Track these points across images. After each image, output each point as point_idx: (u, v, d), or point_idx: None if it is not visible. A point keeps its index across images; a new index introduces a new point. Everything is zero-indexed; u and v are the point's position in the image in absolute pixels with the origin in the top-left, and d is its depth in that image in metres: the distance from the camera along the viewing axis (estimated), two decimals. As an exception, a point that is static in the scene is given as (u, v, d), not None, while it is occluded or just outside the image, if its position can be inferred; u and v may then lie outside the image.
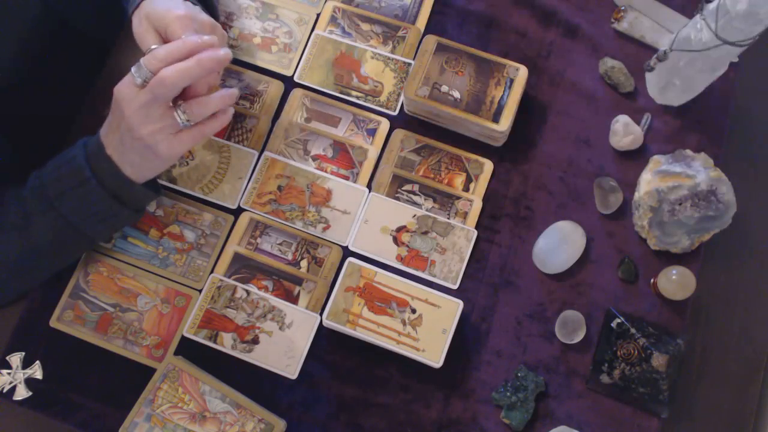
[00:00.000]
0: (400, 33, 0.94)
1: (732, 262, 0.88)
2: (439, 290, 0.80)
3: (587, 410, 0.82)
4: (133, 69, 0.71)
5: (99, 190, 0.74)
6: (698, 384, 0.84)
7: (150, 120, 0.71)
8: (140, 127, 0.71)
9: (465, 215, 0.87)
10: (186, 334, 0.84)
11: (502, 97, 0.86)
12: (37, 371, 0.83)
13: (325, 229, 0.87)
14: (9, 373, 0.83)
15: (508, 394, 0.81)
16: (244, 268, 0.86)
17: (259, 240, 0.87)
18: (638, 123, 0.90)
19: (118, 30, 0.96)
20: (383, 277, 0.80)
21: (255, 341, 0.83)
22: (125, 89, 0.71)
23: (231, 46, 0.94)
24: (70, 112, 0.93)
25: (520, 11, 0.95)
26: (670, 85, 0.87)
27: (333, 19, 0.95)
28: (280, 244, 0.87)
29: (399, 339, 0.78)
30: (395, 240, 0.86)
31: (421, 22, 0.95)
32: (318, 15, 0.95)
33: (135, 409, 0.78)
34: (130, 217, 0.79)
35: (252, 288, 0.85)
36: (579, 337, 0.82)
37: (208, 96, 0.74)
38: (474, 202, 0.88)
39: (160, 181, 0.88)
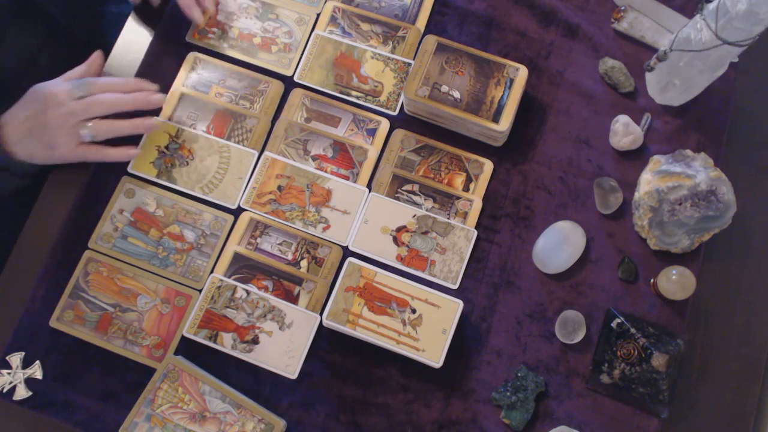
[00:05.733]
0: (400, 33, 0.94)
1: (732, 262, 0.88)
2: (439, 290, 0.80)
3: (587, 410, 0.82)
4: (73, 83, 0.82)
5: None
6: (698, 384, 0.84)
7: (66, 125, 0.81)
8: (56, 128, 0.81)
9: (465, 215, 0.87)
10: (186, 334, 0.83)
11: (502, 97, 0.86)
12: (37, 371, 0.83)
13: (325, 229, 0.87)
14: (9, 373, 0.83)
15: (508, 394, 0.81)
16: (244, 268, 0.86)
17: (259, 240, 0.87)
18: (638, 123, 0.90)
19: (116, 32, 0.95)
20: (383, 277, 0.80)
21: (255, 341, 0.83)
22: (63, 96, 0.81)
23: (231, 46, 0.94)
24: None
25: (520, 11, 0.95)
26: (670, 85, 0.87)
27: (333, 19, 0.95)
28: (280, 244, 0.87)
29: (399, 339, 0.78)
30: (395, 240, 0.86)
31: (421, 22, 0.95)
32: (318, 15, 0.95)
33: (135, 409, 0.78)
34: (14, 182, 0.86)
35: (252, 288, 0.85)
36: (579, 337, 0.82)
37: (120, 120, 0.83)
38: (474, 202, 0.88)
39: (161, 182, 0.88)
